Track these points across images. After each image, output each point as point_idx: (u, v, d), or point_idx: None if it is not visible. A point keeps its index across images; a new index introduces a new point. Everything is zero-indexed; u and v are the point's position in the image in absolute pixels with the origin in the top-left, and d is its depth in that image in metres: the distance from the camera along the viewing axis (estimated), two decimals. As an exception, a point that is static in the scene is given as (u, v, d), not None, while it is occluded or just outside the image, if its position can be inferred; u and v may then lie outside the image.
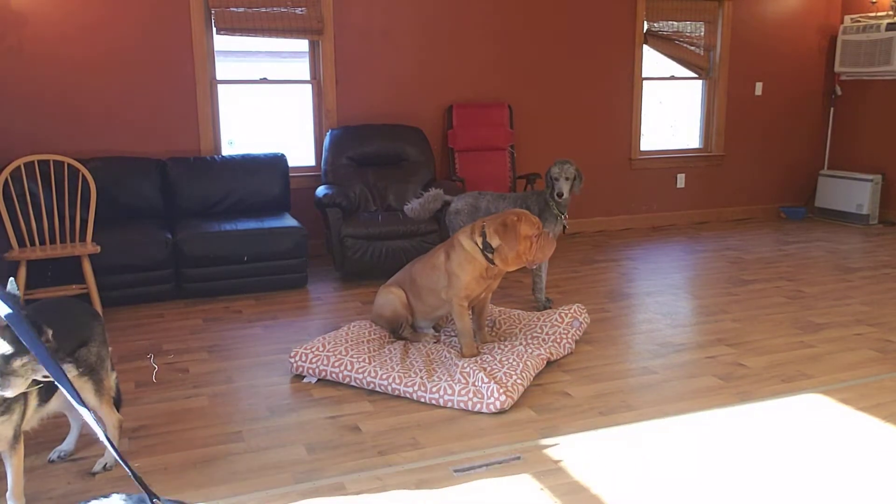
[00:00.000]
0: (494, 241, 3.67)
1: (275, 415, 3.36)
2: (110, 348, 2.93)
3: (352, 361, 3.65)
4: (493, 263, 3.73)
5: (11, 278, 2.27)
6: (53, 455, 2.93)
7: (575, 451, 2.99)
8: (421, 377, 3.52)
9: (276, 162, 5.86)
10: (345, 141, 6.02)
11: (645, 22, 7.23)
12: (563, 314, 4.17)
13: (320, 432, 3.18)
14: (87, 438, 3.01)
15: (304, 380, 3.73)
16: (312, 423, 3.28)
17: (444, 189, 5.69)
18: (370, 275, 5.48)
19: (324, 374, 3.68)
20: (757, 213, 8.13)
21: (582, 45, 7.02)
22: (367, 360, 3.66)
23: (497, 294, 5.01)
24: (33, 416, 2.50)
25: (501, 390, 3.33)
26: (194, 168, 5.63)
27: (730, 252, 6.50)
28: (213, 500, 2.66)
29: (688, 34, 7.48)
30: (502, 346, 3.85)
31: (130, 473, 1.47)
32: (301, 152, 6.55)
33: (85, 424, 2.87)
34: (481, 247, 3.72)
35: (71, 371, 2.65)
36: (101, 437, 1.61)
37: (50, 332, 2.16)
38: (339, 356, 3.69)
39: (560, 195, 4.60)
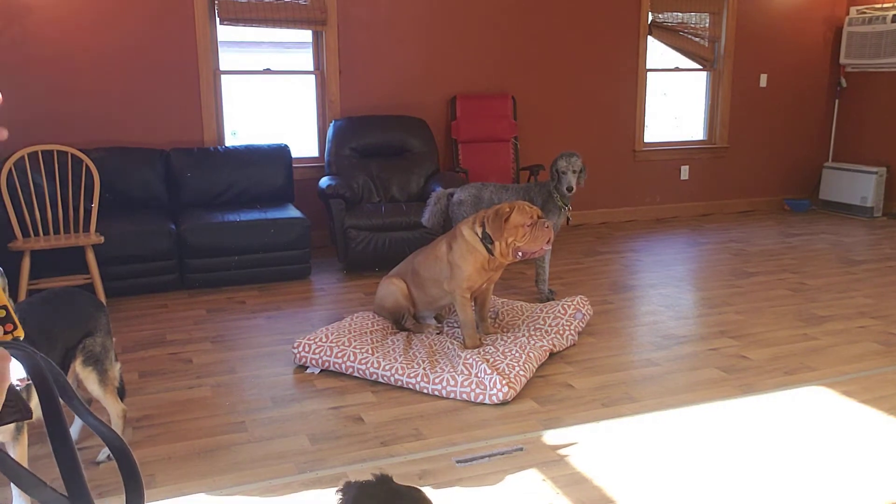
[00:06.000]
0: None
1: (278, 405, 3.37)
2: (114, 338, 2.93)
3: (355, 352, 3.65)
4: (493, 255, 3.74)
5: None
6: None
7: (577, 442, 2.99)
8: (424, 368, 3.53)
9: (280, 153, 5.86)
10: (348, 132, 6.01)
11: (650, 13, 7.19)
12: (566, 306, 4.17)
13: (323, 423, 3.19)
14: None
15: (308, 370, 3.74)
16: (315, 413, 3.28)
17: (446, 180, 5.70)
18: (373, 266, 5.48)
19: (327, 364, 3.69)
20: (761, 205, 8.11)
21: (586, 37, 6.99)
22: (370, 351, 3.66)
23: (500, 285, 5.01)
24: (37, 407, 2.50)
25: (504, 381, 3.34)
26: (198, 159, 5.63)
27: (733, 244, 6.49)
28: (217, 490, 2.67)
29: (693, 25, 7.45)
30: (505, 338, 3.85)
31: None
32: (304, 143, 6.55)
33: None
34: (481, 237, 3.73)
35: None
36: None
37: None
38: (342, 347, 3.69)
39: (570, 189, 4.59)
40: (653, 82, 7.47)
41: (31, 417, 0.98)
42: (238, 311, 4.73)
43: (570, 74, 7.00)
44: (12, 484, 2.43)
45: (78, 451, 1.00)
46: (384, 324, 4.06)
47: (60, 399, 0.97)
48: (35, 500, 0.96)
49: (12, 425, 2.35)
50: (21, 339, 0.99)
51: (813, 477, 2.72)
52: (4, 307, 0.98)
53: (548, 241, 3.74)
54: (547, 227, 3.72)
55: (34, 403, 2.48)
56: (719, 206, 7.90)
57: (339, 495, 1.64)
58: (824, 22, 7.90)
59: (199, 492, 2.66)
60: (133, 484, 1.03)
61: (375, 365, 3.58)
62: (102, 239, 4.61)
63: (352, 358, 3.64)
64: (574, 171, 4.61)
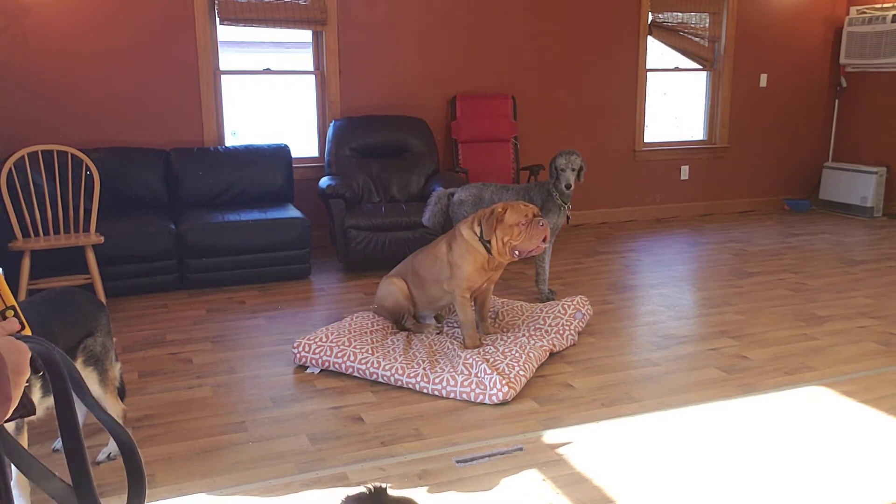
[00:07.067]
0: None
1: (278, 405, 3.37)
2: (114, 338, 2.93)
3: (355, 352, 3.65)
4: (492, 254, 3.74)
5: None
6: (57, 444, 2.94)
7: (577, 442, 2.99)
8: (424, 368, 3.53)
9: (280, 153, 5.86)
10: (348, 132, 6.01)
11: (650, 13, 7.20)
12: (566, 306, 4.17)
13: (323, 423, 3.19)
14: (91, 428, 3.02)
15: (308, 370, 3.74)
16: (315, 413, 3.29)
17: (446, 180, 5.70)
18: (373, 266, 5.48)
19: (327, 364, 3.69)
20: (761, 205, 8.11)
21: (586, 36, 6.99)
22: (370, 351, 3.67)
23: (500, 285, 5.01)
24: (37, 406, 2.50)
25: (504, 381, 3.34)
26: (198, 158, 5.63)
27: (733, 244, 6.49)
28: (217, 490, 2.67)
29: (693, 25, 7.45)
30: (505, 338, 3.85)
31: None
32: (304, 143, 6.55)
33: (89, 414, 2.88)
34: (480, 236, 3.73)
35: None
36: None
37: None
38: (342, 347, 3.69)
39: (568, 187, 4.60)
40: (653, 82, 7.47)
41: (34, 413, 1.00)
42: (238, 311, 4.73)
43: (570, 74, 7.00)
44: (13, 483, 2.43)
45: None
46: (384, 324, 4.06)
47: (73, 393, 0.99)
48: (43, 489, 0.98)
49: (12, 423, 2.35)
50: None
51: (813, 477, 2.72)
52: (13, 308, 0.99)
53: (544, 240, 3.74)
54: (542, 225, 3.72)
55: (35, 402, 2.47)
56: (719, 206, 7.90)
57: None
58: (824, 22, 7.90)
59: (199, 492, 2.66)
60: (136, 480, 1.04)
61: (375, 365, 3.58)
62: (102, 239, 4.61)
63: (352, 358, 3.64)
64: (573, 169, 4.62)
